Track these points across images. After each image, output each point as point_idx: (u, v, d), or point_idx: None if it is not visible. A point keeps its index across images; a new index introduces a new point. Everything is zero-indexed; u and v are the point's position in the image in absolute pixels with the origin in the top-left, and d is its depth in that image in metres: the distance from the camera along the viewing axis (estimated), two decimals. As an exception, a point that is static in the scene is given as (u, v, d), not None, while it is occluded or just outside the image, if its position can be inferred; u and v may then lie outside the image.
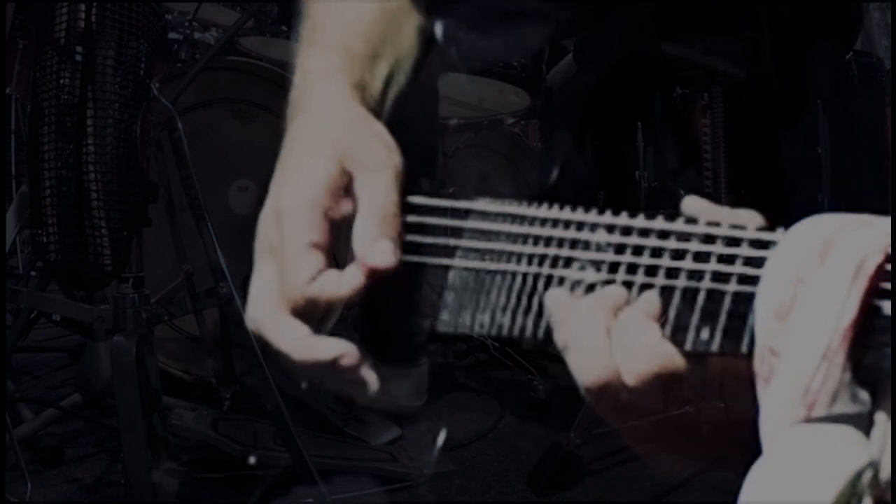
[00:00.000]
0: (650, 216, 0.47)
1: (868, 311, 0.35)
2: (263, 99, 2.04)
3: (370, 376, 0.55)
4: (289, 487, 1.57)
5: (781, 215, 0.43)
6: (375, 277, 0.54)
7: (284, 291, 0.55)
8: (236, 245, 1.64)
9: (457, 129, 2.78)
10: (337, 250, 0.57)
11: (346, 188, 0.57)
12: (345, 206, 0.57)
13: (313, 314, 0.55)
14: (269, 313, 0.56)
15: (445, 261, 0.56)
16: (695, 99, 1.81)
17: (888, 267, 0.35)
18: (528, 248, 0.52)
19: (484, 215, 0.55)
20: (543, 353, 2.26)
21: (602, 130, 1.98)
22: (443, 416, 2.04)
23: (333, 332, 0.57)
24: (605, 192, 2.00)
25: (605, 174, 2.00)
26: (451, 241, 0.56)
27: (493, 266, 0.54)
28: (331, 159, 0.57)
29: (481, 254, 0.54)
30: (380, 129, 0.61)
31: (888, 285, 0.35)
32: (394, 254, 0.55)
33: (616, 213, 0.48)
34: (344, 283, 0.54)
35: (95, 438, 1.83)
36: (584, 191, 1.97)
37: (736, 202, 0.47)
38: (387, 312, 1.82)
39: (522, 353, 2.30)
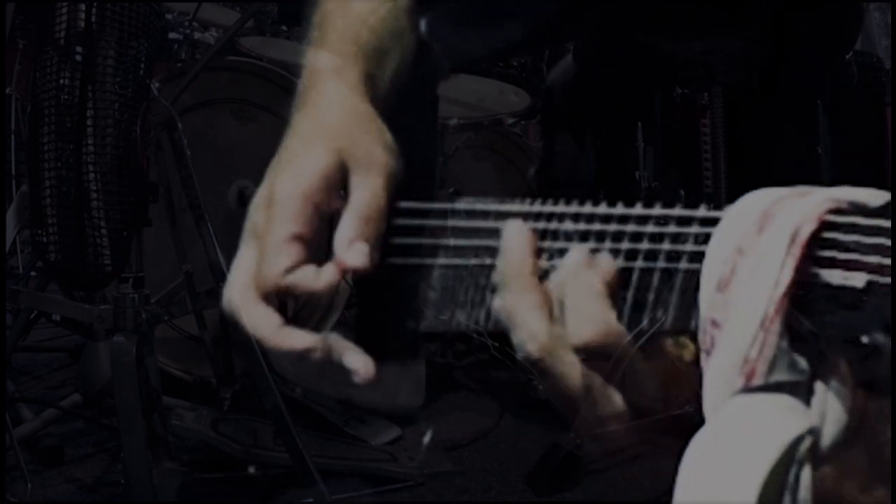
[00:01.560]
0: (612, 204, 0.48)
1: (805, 279, 0.35)
2: (263, 99, 2.04)
3: (362, 362, 0.55)
4: (289, 487, 1.57)
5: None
6: (355, 277, 0.54)
7: (260, 279, 0.55)
8: (236, 245, 1.64)
9: (457, 129, 2.78)
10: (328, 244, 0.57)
11: (342, 183, 0.57)
12: (339, 201, 0.57)
13: (288, 305, 0.55)
14: (243, 298, 0.56)
15: (432, 260, 0.57)
16: (695, 99, 1.81)
17: (824, 234, 0.35)
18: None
19: (465, 214, 0.55)
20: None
21: (602, 130, 1.97)
22: (443, 416, 2.04)
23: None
24: (605, 192, 2.00)
25: (605, 174, 1.99)
26: (437, 241, 0.57)
27: (468, 262, 0.54)
28: (330, 152, 0.57)
29: (460, 251, 0.55)
30: (381, 128, 0.61)
31: (827, 253, 0.35)
32: (369, 256, 0.54)
33: (581, 203, 0.49)
34: (318, 280, 0.54)
35: (95, 438, 1.82)
36: (585, 191, 1.97)
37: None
38: (384, 311, 1.82)
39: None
